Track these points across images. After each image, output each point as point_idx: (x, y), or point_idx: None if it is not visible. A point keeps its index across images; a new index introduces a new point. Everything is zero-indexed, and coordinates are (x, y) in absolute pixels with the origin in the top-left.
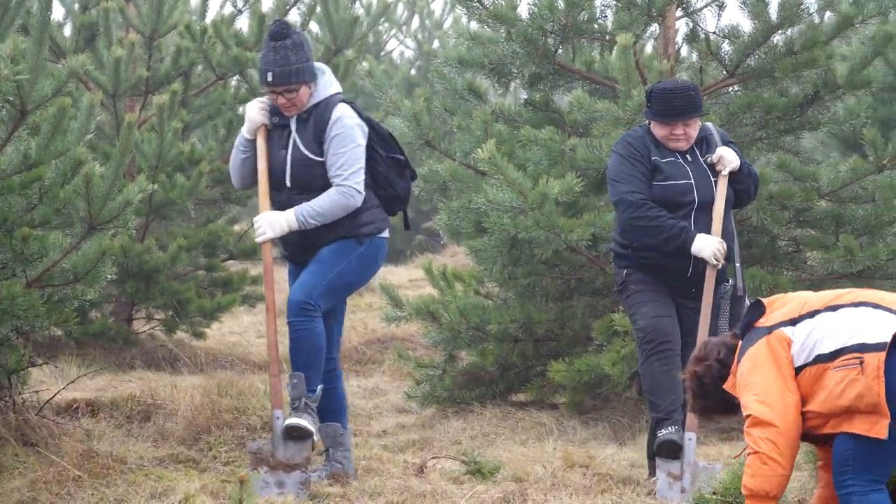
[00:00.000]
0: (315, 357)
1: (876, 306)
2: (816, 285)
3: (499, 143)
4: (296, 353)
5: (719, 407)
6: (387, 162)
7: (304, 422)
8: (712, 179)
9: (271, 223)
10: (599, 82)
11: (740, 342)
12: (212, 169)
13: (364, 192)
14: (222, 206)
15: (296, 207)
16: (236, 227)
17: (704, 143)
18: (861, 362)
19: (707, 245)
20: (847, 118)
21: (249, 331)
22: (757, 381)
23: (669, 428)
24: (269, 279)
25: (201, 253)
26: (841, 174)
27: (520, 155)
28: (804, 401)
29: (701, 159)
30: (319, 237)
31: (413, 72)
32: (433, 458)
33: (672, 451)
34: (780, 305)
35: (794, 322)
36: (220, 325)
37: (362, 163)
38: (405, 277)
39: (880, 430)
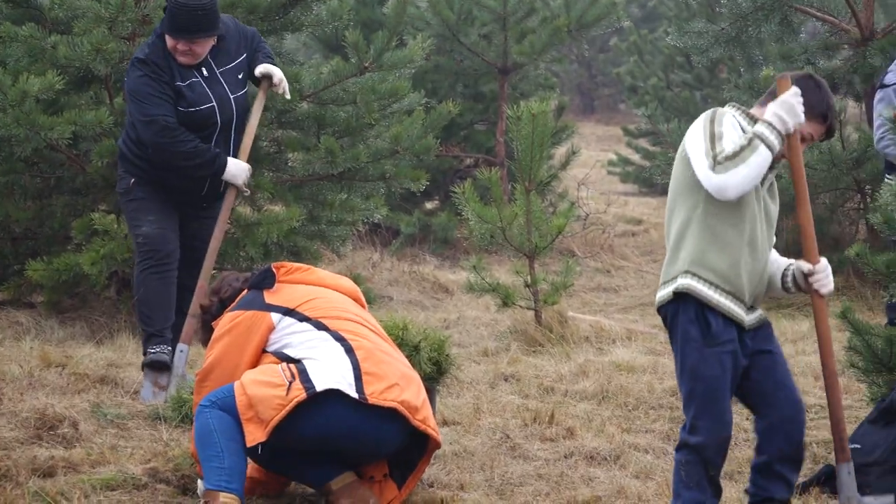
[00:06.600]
0: None
1: (350, 351)
2: (298, 186)
3: None
4: None
5: None
6: None
7: None
8: (231, 96)
9: None
10: None
11: (246, 291)
12: None
13: None
14: None
15: None
16: None
17: (218, 49)
18: (290, 385)
19: (240, 172)
20: (330, 20)
21: None
22: (220, 348)
23: (160, 346)
24: None
25: None
26: (323, 76)
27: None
28: None
29: (218, 73)
30: None
31: None
32: None
33: (161, 367)
34: (292, 281)
35: (287, 312)
36: None
37: None
38: None
39: (250, 438)
